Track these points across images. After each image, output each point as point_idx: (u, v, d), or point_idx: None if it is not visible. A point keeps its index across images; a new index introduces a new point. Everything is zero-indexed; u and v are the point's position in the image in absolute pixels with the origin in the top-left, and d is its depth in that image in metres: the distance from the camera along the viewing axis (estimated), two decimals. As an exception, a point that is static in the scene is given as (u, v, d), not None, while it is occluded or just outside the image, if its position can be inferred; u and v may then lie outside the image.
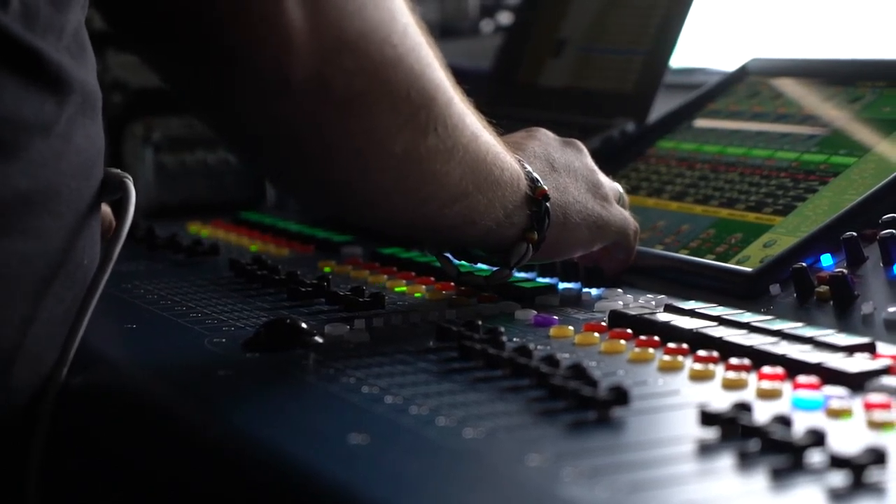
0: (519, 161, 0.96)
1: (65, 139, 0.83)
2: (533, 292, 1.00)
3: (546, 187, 0.96)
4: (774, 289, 0.96)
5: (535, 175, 0.96)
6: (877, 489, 0.60)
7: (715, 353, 0.81)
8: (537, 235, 0.96)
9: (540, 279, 1.04)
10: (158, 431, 0.80)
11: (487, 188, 0.92)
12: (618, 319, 0.90)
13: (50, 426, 0.84)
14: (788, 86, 1.23)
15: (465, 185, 0.90)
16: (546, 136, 1.03)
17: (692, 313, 0.89)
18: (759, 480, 0.62)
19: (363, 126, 0.83)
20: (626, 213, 1.04)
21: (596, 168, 1.03)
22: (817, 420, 0.69)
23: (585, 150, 1.04)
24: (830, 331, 0.83)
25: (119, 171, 0.92)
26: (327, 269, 1.12)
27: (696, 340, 0.84)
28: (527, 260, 0.97)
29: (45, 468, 0.85)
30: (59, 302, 0.83)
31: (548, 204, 0.96)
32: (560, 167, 0.99)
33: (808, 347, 0.80)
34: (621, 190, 1.06)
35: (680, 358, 0.81)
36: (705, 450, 0.66)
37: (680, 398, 0.75)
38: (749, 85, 1.26)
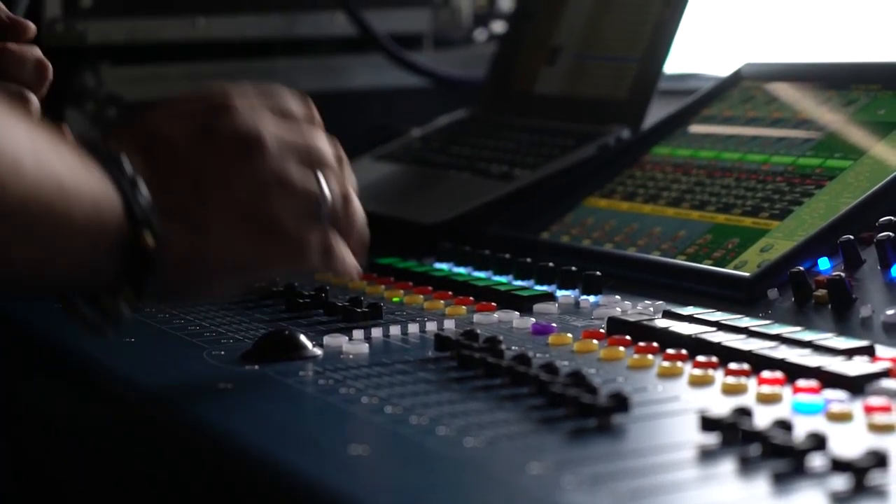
0: (125, 197, 0.72)
1: None
2: (531, 300, 1.00)
3: (151, 237, 0.72)
4: (772, 293, 0.96)
5: (143, 214, 0.72)
6: (878, 492, 0.60)
7: (714, 359, 0.80)
8: (137, 292, 0.74)
9: (538, 287, 1.04)
10: (158, 444, 0.80)
11: (34, 243, 0.69)
12: (616, 326, 0.90)
13: (48, 440, 0.84)
14: (783, 90, 1.23)
15: None
16: (215, 130, 0.76)
17: (691, 319, 0.89)
18: (760, 485, 0.61)
19: None
20: (305, 240, 0.78)
21: (281, 170, 0.77)
22: (818, 424, 0.69)
23: (262, 151, 0.76)
24: (829, 334, 0.83)
25: None
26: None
27: (695, 346, 0.84)
28: (129, 314, 0.75)
29: (45, 482, 0.85)
30: None
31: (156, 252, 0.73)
32: (191, 186, 0.75)
33: (807, 351, 0.80)
34: (326, 194, 0.79)
35: (679, 364, 0.81)
36: (706, 455, 0.66)
37: (680, 404, 0.74)
38: (743, 90, 1.26)
